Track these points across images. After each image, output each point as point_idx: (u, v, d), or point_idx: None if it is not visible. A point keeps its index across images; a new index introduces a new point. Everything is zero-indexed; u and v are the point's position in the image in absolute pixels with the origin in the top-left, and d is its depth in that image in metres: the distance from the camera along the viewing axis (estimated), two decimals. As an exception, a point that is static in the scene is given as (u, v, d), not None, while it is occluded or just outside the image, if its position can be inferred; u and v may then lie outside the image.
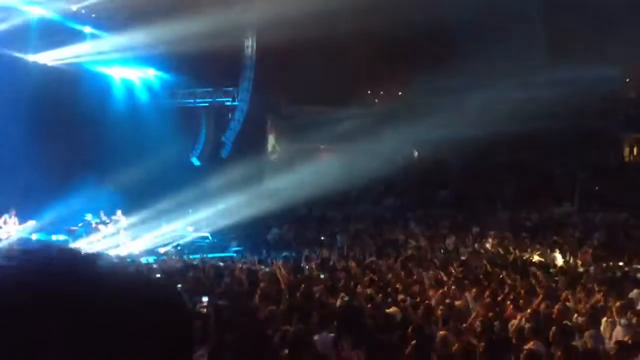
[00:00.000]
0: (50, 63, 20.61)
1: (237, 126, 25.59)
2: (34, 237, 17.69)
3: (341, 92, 27.76)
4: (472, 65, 26.49)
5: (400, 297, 9.72)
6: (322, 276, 12.89)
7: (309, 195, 22.94)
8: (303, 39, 21.48)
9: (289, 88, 24.98)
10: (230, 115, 25.84)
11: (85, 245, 18.48)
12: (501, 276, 12.18)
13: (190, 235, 22.10)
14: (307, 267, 14.53)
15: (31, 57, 20.05)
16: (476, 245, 19.09)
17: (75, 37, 20.49)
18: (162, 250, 19.64)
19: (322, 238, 23.63)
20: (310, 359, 5.23)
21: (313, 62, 23.47)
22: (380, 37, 23.90)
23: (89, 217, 19.24)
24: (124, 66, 23.20)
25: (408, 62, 26.12)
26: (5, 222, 16.78)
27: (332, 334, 7.19)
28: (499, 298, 9.61)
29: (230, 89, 25.43)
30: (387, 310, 8.37)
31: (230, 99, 25.57)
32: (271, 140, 29.80)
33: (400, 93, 30.24)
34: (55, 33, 19.44)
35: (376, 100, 31.00)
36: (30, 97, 18.86)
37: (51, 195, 18.05)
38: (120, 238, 19.47)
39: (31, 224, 17.68)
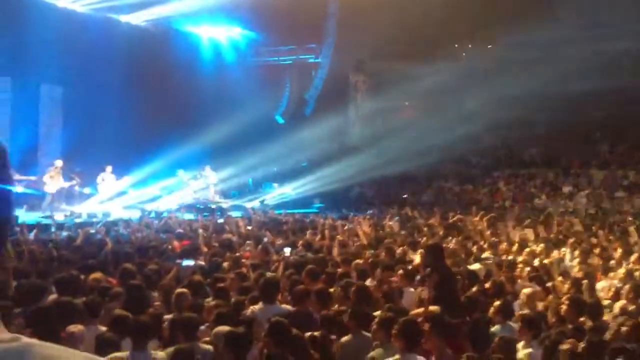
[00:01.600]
0: (141, 23, 21.32)
1: (320, 84, 25.60)
2: (130, 192, 18.69)
3: (427, 46, 26.99)
4: (565, 16, 24.93)
5: (485, 254, 9.57)
6: (402, 232, 12.89)
7: (392, 153, 22.73)
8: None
9: (372, 44, 24.53)
10: (313, 72, 25.85)
11: (177, 198, 19.36)
12: (594, 236, 11.70)
13: (275, 191, 22.62)
14: (388, 224, 14.53)
15: (123, 18, 20.80)
16: (568, 204, 18.36)
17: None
18: (248, 205, 20.26)
19: (405, 195, 23.49)
20: (392, 312, 5.27)
21: (397, 16, 22.89)
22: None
23: (181, 172, 20.05)
24: (211, 25, 23.64)
25: (498, 14, 24.92)
26: (103, 179, 17.75)
27: (415, 289, 7.22)
28: (590, 258, 9.26)
29: (314, 46, 25.36)
30: (470, 267, 8.27)
31: (314, 56, 25.54)
32: (355, 97, 29.62)
33: (489, 46, 29.01)
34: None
35: (464, 54, 29.93)
36: (122, 57, 19.68)
37: (144, 151, 18.92)
38: (210, 193, 20.23)
39: (127, 179, 18.64)
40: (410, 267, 8.04)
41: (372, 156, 22.85)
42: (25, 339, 0.92)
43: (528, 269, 8.45)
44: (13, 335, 0.92)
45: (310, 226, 13.58)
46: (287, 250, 8.93)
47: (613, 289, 7.33)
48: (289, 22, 23.01)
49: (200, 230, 11.69)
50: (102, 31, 19.39)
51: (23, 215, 14.58)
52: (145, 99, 19.95)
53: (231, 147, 20.34)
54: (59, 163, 16.59)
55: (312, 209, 21.12)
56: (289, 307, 6.06)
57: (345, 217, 16.84)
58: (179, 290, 6.15)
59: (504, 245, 10.70)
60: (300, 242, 10.41)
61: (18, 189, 14.49)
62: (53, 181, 16.26)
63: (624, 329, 5.21)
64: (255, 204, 20.72)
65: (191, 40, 23.86)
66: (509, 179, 24.05)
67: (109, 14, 20.15)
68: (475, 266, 8.43)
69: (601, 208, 17.29)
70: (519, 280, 7.76)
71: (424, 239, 11.17)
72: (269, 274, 6.93)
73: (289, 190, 22.76)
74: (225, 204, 19.81)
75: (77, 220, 14.73)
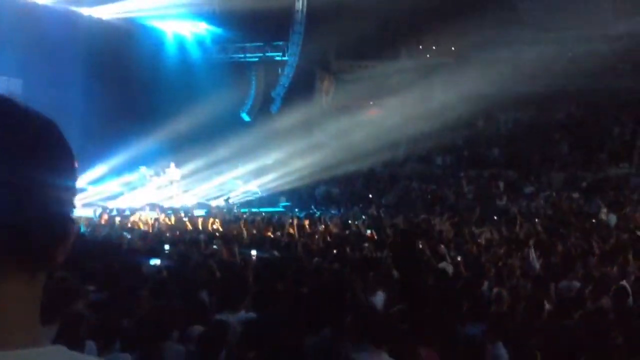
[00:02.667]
0: (105, 17, 20.87)
1: (286, 81, 25.51)
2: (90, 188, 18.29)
3: (392, 46, 27.19)
4: (529, 17, 25.44)
5: (451, 255, 9.67)
6: (368, 232, 12.95)
7: (357, 151, 22.81)
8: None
9: (338, 42, 24.57)
10: (280, 70, 25.74)
11: (139, 196, 19.04)
12: (555, 236, 11.95)
13: (240, 188, 22.46)
14: (354, 223, 14.57)
15: (86, 11, 20.34)
16: (529, 205, 18.72)
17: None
18: (212, 203, 20.06)
19: (370, 195, 23.61)
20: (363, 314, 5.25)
21: (363, 15, 22.98)
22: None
23: (143, 169, 19.72)
24: (177, 20, 23.30)
25: (461, 14, 25.25)
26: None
27: (384, 292, 7.22)
28: (553, 259, 9.45)
29: (280, 43, 25.25)
30: (439, 265, 8.35)
31: (280, 54, 25.42)
32: (320, 95, 29.63)
33: (452, 47, 29.39)
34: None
35: (428, 55, 30.25)
36: (85, 50, 19.23)
37: (105, 147, 18.54)
38: (173, 190, 19.96)
39: (87, 175, 18.23)
40: (380, 266, 8.06)
41: (338, 154, 22.88)
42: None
43: (493, 269, 8.57)
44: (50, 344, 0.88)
45: (277, 225, 13.52)
46: (253, 252, 8.87)
47: (575, 290, 7.49)
48: (256, 19, 22.86)
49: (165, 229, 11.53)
50: (64, 24, 18.90)
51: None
52: (107, 93, 19.54)
53: (195, 144, 20.11)
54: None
55: (278, 208, 21.04)
56: (254, 311, 5.99)
57: (311, 215, 16.83)
58: (142, 290, 6.04)
59: (468, 246, 10.83)
60: (266, 242, 10.35)
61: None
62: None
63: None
64: (220, 202, 20.54)
65: (155, 35, 23.48)
66: (471, 180, 24.37)
67: (72, 6, 19.65)
68: (443, 266, 8.52)
69: (561, 209, 17.66)
70: (485, 281, 7.86)
71: (391, 239, 11.24)
72: (236, 275, 6.86)
73: (255, 188, 22.63)
74: (187, 202, 19.59)
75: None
